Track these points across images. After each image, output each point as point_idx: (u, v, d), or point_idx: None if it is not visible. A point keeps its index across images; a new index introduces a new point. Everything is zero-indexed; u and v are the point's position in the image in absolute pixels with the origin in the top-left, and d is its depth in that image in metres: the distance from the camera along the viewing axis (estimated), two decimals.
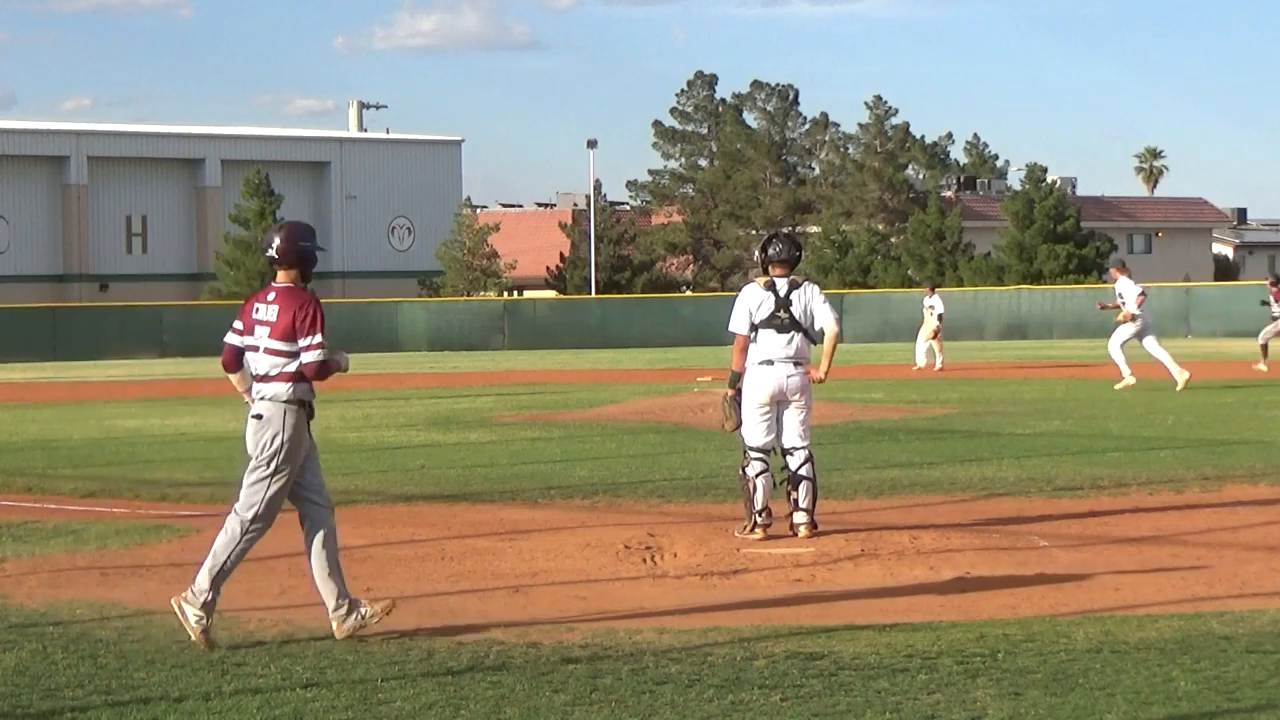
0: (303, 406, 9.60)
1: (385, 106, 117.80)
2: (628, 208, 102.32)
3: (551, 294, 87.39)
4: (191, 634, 9.26)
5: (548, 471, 17.88)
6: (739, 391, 13.33)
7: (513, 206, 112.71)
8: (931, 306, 40.59)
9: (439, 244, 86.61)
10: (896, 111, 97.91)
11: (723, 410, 13.52)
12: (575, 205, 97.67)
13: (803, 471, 13.14)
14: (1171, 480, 16.13)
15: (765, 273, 13.32)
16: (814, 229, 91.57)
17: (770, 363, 13.11)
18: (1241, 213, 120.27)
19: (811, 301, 13.22)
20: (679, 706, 7.68)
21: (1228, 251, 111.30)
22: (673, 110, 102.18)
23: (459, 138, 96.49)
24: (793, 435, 13.22)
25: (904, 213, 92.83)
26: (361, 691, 8.02)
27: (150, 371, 49.15)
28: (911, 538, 12.70)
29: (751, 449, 13.21)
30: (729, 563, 11.99)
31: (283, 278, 9.74)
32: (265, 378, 9.60)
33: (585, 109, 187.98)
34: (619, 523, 13.79)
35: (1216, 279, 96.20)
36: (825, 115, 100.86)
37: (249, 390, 9.70)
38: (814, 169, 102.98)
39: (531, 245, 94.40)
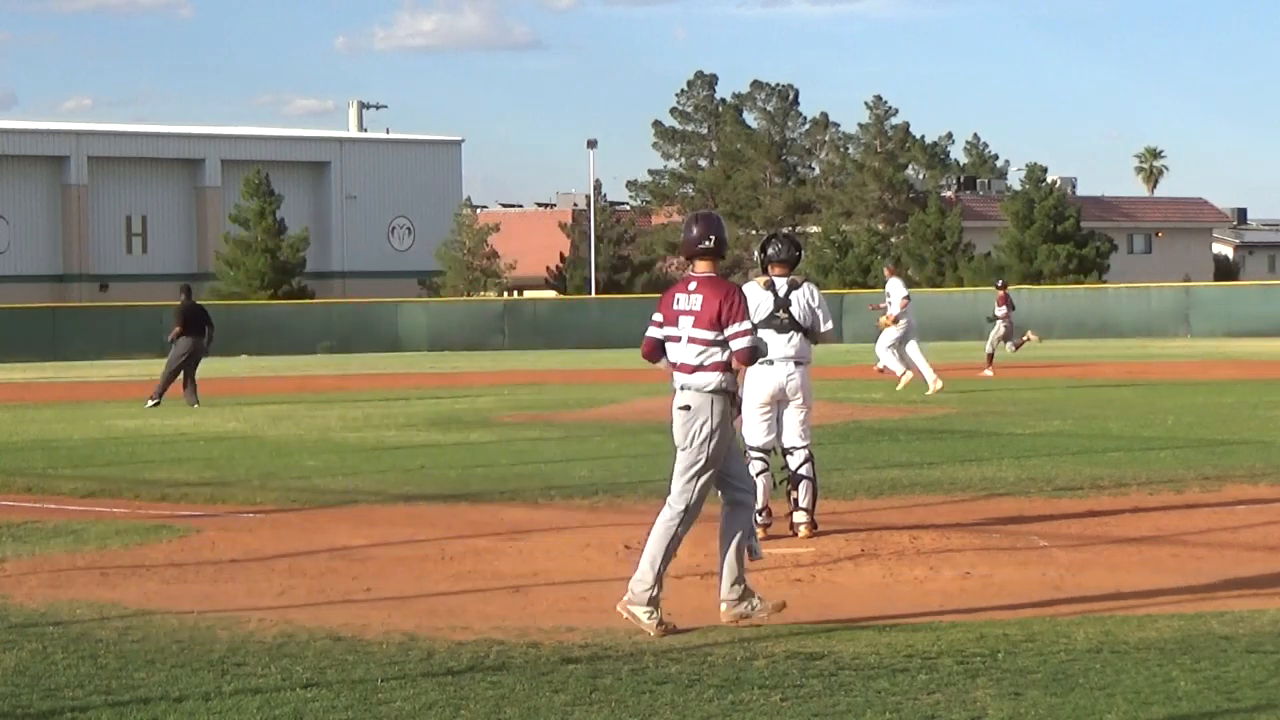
0: (729, 395, 9.66)
1: (385, 106, 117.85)
2: (628, 208, 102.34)
3: (551, 294, 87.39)
4: (650, 631, 9.31)
5: (548, 471, 17.88)
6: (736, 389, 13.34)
7: (513, 206, 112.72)
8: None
9: (439, 244, 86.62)
10: (896, 111, 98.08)
11: None
12: (575, 205, 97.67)
13: (803, 471, 13.15)
14: (1171, 480, 16.13)
15: (765, 273, 13.33)
16: (814, 229, 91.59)
17: (771, 363, 13.12)
18: (1241, 213, 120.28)
19: (811, 301, 13.27)
20: (679, 706, 7.68)
21: (1228, 251, 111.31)
22: (673, 110, 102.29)
23: (459, 138, 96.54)
24: (793, 435, 13.24)
25: (904, 213, 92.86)
26: (361, 691, 8.02)
27: (150, 371, 48.94)
28: (911, 538, 12.70)
29: (751, 449, 13.21)
30: None
31: (704, 267, 9.80)
32: (691, 367, 9.64)
33: (585, 109, 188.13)
34: (619, 523, 13.78)
35: (1216, 279, 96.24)
36: (825, 115, 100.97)
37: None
38: (814, 169, 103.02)
39: (531, 245, 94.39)
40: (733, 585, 9.61)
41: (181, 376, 30.05)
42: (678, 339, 9.72)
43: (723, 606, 9.61)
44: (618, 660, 8.61)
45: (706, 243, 9.80)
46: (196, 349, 30.13)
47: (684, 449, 9.67)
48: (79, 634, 9.49)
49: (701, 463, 9.62)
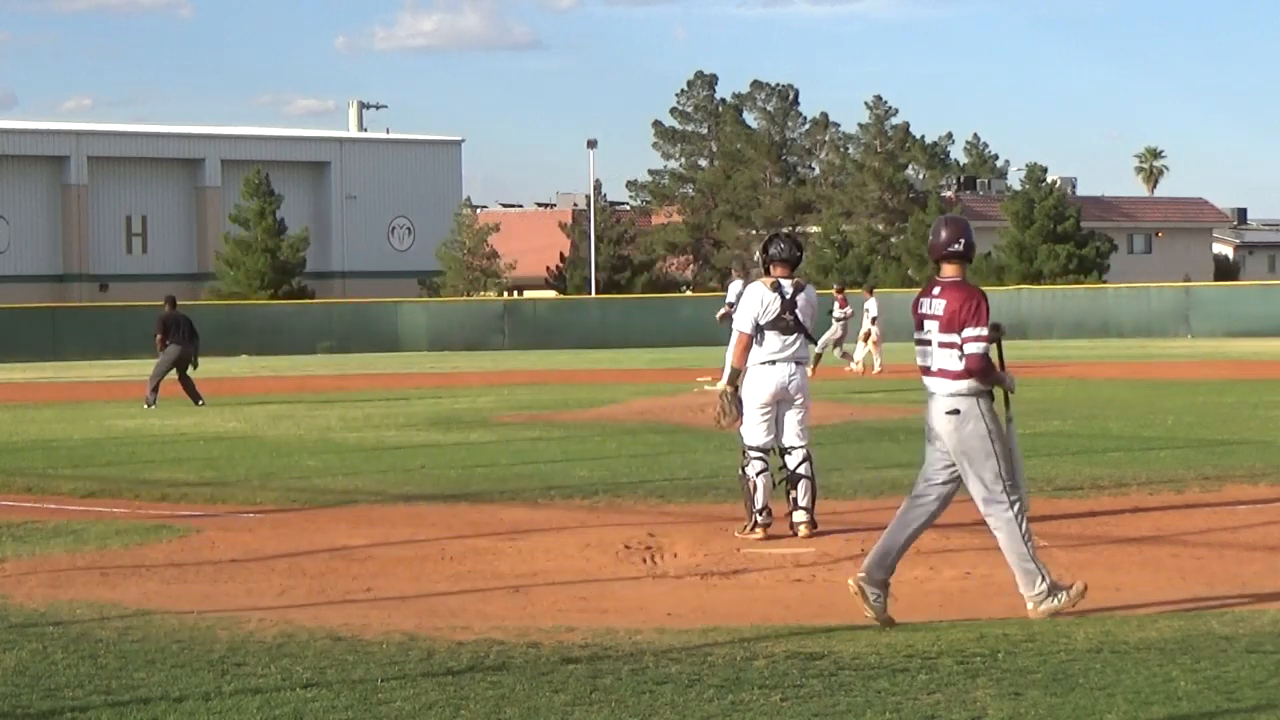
0: (989, 395, 9.71)
1: (385, 106, 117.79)
2: (628, 208, 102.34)
3: (551, 294, 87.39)
4: (1060, 605, 9.55)
5: (548, 471, 17.88)
6: (737, 388, 13.35)
7: (513, 206, 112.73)
8: (866, 309, 40.20)
9: (439, 244, 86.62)
10: (896, 111, 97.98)
11: (719, 406, 13.50)
12: (575, 205, 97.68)
13: (801, 470, 13.16)
14: (1171, 480, 16.12)
15: (767, 273, 13.34)
16: (814, 229, 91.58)
17: (773, 363, 13.14)
18: (1241, 213, 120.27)
19: (814, 303, 13.36)
20: (679, 706, 7.67)
21: (1228, 251, 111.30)
22: (673, 110, 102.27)
23: (459, 138, 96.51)
24: (791, 435, 13.25)
25: (904, 213, 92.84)
26: (361, 691, 8.02)
27: (150, 371, 49.05)
28: None
29: (751, 448, 13.22)
30: (729, 563, 11.99)
31: (951, 271, 9.83)
32: (945, 372, 9.69)
33: (585, 109, 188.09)
34: (619, 523, 13.79)
35: (1216, 279, 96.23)
36: (825, 115, 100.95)
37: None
38: (814, 169, 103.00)
39: (531, 245, 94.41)
40: (881, 578, 9.68)
41: (179, 382, 30.09)
42: (928, 343, 9.76)
43: (862, 594, 9.67)
44: (618, 660, 8.61)
45: (956, 245, 9.81)
46: (183, 356, 30.16)
47: (962, 452, 9.70)
48: (79, 634, 9.49)
49: (996, 456, 9.67)
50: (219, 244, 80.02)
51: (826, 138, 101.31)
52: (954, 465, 9.73)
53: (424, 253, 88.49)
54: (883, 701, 7.67)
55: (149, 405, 29.59)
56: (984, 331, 9.61)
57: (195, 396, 29.83)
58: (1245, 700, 7.63)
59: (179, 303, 32.18)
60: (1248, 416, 23.58)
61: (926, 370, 9.81)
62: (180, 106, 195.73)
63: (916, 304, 9.89)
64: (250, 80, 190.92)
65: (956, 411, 9.64)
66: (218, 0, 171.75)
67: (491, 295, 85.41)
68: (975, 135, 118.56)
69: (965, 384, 9.65)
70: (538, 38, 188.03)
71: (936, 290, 9.79)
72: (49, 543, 13.20)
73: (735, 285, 30.41)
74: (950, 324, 9.64)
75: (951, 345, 9.64)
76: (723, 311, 29.97)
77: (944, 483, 9.81)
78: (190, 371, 30.35)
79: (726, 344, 29.00)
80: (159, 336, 30.44)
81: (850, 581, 9.75)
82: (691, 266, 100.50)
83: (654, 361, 49.09)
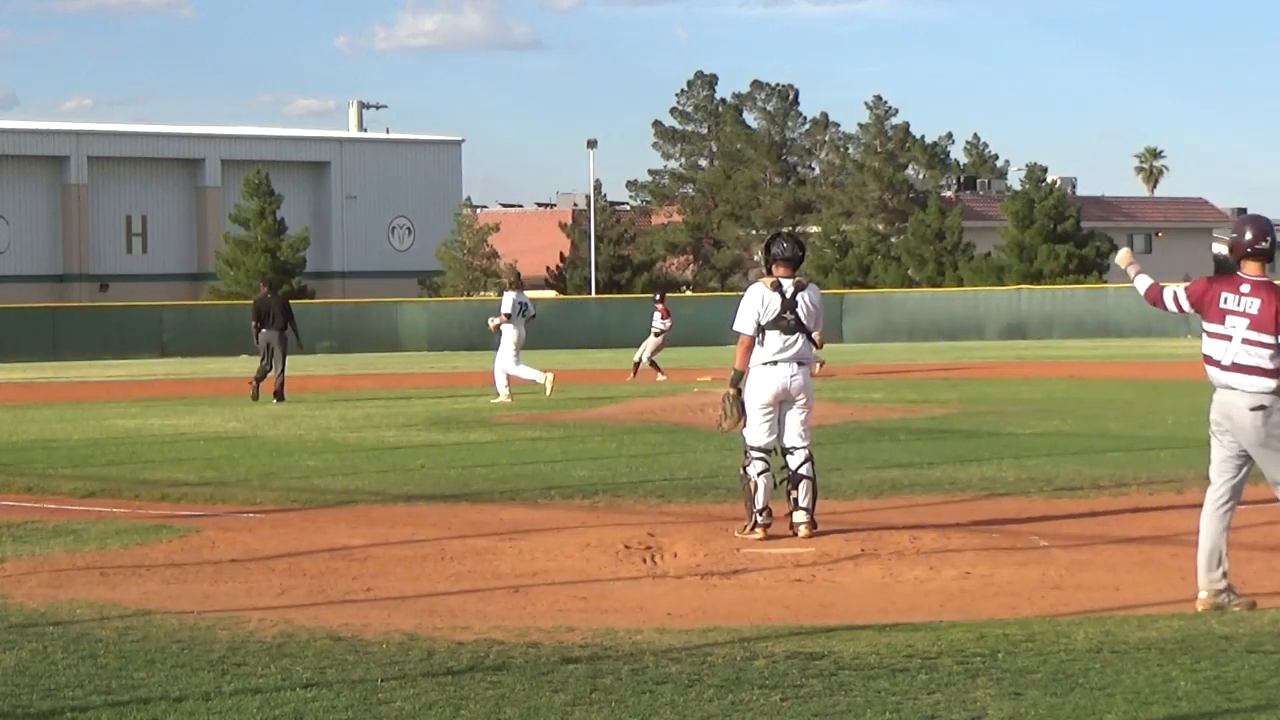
0: None
1: (385, 106, 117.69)
2: (628, 208, 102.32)
3: (551, 294, 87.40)
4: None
5: (548, 471, 17.88)
6: (740, 391, 13.34)
7: (513, 206, 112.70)
8: None
9: (439, 244, 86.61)
10: (896, 111, 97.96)
11: (722, 409, 13.49)
12: (575, 205, 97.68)
13: (803, 471, 13.15)
14: (1171, 480, 16.12)
15: (768, 272, 13.33)
16: (814, 229, 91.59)
17: (774, 363, 13.13)
18: (1241, 213, 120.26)
19: (816, 303, 13.33)
20: (679, 706, 7.67)
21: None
22: (673, 110, 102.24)
23: (459, 138, 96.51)
24: (793, 435, 13.24)
25: (904, 213, 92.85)
26: (361, 691, 8.02)
27: (150, 371, 49.13)
28: (911, 538, 12.70)
29: (752, 449, 13.21)
30: (729, 563, 11.99)
31: (1255, 269, 9.92)
32: (1252, 369, 9.79)
33: (585, 109, 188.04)
34: (619, 523, 13.79)
35: None
36: (825, 115, 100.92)
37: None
38: (814, 169, 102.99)
39: (531, 245, 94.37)
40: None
41: (271, 368, 30.56)
42: (1227, 338, 9.85)
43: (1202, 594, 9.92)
44: (618, 660, 8.61)
45: (1263, 243, 9.91)
46: (272, 341, 30.45)
47: (1268, 446, 9.89)
48: (79, 634, 9.49)
49: None
50: (219, 244, 79.98)
51: (826, 138, 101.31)
52: (1244, 457, 9.96)
53: (424, 253, 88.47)
54: (883, 701, 7.67)
55: (277, 401, 29.98)
56: None
57: (255, 390, 30.10)
58: (1245, 700, 7.63)
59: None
60: None
61: (1217, 363, 9.90)
62: (180, 106, 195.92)
63: (1216, 297, 9.93)
64: (250, 80, 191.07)
65: (1263, 408, 9.79)
66: (218, 0, 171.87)
67: (491, 295, 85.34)
68: (975, 135, 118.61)
69: (1273, 382, 9.77)
70: (538, 38, 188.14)
71: (1246, 288, 9.86)
72: (49, 543, 13.20)
73: (509, 296, 30.57)
74: (1265, 324, 9.75)
75: (1262, 345, 9.77)
76: (495, 321, 30.12)
77: (1236, 475, 10.07)
78: (290, 353, 30.70)
79: (498, 351, 29.15)
80: (254, 323, 30.76)
81: (1200, 602, 9.92)
82: (691, 266, 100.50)
83: None
